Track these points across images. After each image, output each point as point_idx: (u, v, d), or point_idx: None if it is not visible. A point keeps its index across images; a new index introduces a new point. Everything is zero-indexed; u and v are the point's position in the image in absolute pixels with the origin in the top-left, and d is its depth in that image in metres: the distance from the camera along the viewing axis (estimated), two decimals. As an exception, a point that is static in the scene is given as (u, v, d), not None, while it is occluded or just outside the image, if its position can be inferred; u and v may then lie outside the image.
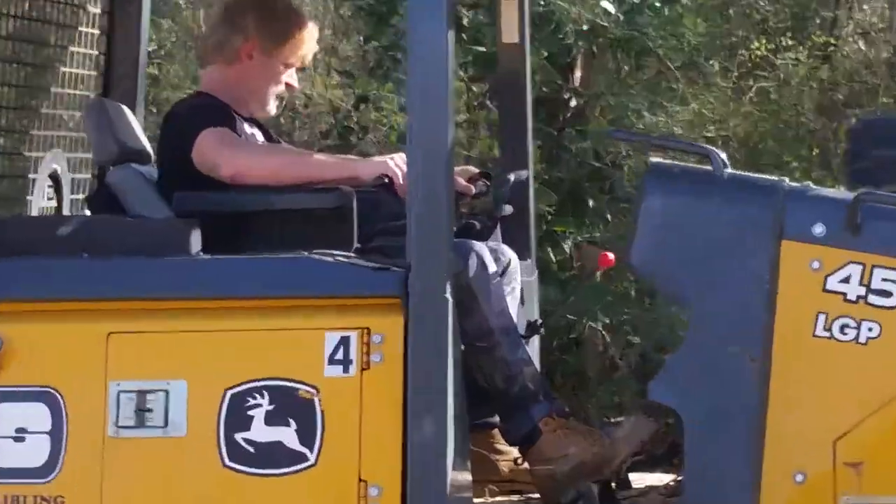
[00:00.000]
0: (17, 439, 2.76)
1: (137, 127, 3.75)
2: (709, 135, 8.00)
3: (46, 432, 2.73)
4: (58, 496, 2.71)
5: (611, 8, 7.48)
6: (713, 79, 8.31)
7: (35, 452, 2.74)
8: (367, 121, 8.98)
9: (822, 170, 7.54)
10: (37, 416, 2.74)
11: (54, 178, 4.13)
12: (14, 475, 2.74)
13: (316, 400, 2.70)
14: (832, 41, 8.54)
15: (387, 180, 3.13)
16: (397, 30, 8.29)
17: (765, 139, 8.23)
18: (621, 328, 7.27)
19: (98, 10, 4.35)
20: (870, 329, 2.79)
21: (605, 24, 7.53)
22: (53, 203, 4.15)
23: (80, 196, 4.25)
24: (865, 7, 10.59)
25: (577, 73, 8.02)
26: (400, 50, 8.16)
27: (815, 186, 3.37)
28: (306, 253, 2.84)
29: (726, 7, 9.41)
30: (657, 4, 7.99)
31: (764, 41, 8.49)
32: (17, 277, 2.92)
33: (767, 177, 3.37)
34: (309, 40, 3.66)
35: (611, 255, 4.04)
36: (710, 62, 8.53)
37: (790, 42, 8.63)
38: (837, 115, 8.56)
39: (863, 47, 9.36)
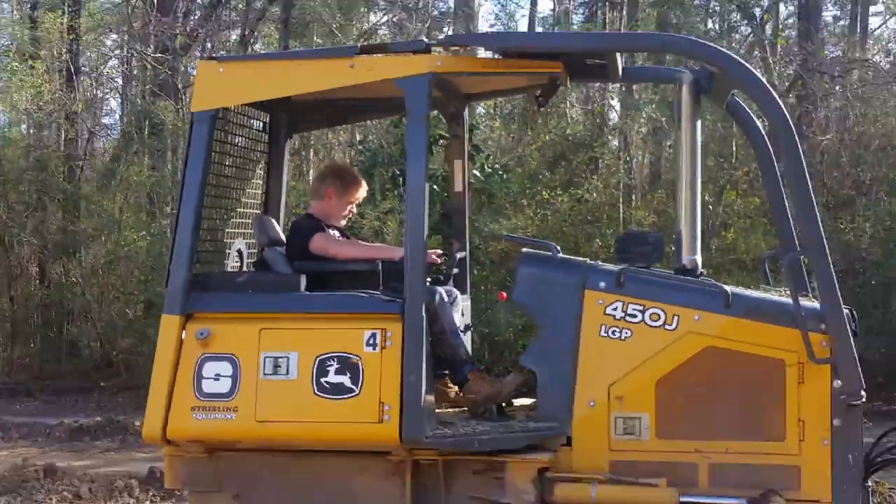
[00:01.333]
0: (215, 379, 4.46)
1: (279, 229, 5.54)
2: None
3: (229, 376, 4.44)
4: (234, 406, 4.41)
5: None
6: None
7: (224, 385, 4.45)
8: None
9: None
10: (225, 368, 4.45)
11: (239, 253, 5.53)
12: (214, 397, 4.43)
13: (360, 363, 4.39)
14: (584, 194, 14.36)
15: (398, 258, 4.82)
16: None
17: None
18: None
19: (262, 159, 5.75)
20: (625, 333, 4.54)
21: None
22: (237, 264, 5.52)
23: (251, 262, 5.63)
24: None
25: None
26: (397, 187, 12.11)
27: (602, 264, 5.02)
28: (357, 292, 4.69)
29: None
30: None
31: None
32: (218, 301, 4.69)
33: (578, 258, 5.20)
34: (360, 190, 5.60)
35: (504, 294, 5.66)
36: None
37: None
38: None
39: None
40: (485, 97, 6.08)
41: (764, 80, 4.77)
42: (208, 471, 4.72)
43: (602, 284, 4.61)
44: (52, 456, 10.55)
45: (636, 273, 4.68)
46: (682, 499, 4.44)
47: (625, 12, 18.70)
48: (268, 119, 5.64)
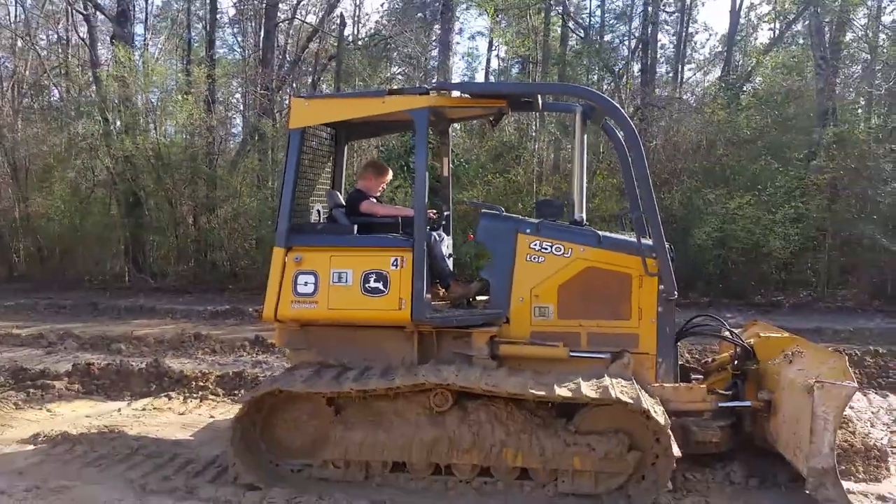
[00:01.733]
0: (304, 285, 4.85)
1: (341, 198, 5.72)
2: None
3: (313, 283, 4.85)
4: (316, 300, 4.77)
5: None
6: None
7: (310, 288, 4.85)
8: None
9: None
10: (310, 278, 4.86)
11: (318, 212, 5.68)
12: (304, 295, 4.84)
13: (388, 275, 4.76)
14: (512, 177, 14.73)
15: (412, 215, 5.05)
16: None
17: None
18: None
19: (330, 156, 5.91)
20: (541, 258, 4.91)
21: None
22: (317, 219, 5.63)
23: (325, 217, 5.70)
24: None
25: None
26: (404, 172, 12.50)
27: (528, 218, 5.20)
28: (386, 235, 5.03)
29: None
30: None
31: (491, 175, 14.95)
32: (307, 240, 4.97)
33: (514, 214, 5.35)
34: (388, 175, 5.85)
35: (471, 236, 5.85)
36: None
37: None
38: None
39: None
40: (460, 120, 6.39)
41: (623, 110, 5.16)
42: (301, 337, 5.13)
43: (528, 230, 4.97)
44: (199, 328, 11.15)
45: (548, 224, 5.03)
46: (572, 354, 4.86)
47: (539, 68, 19.29)
48: (334, 132, 5.84)
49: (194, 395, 7.07)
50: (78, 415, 6.44)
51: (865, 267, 13.78)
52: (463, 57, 42.14)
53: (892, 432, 5.71)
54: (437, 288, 5.40)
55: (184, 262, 17.56)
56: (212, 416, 6.44)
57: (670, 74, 21.74)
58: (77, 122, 18.17)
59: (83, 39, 20.37)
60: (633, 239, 4.89)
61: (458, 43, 38.48)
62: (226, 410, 6.61)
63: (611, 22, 22.93)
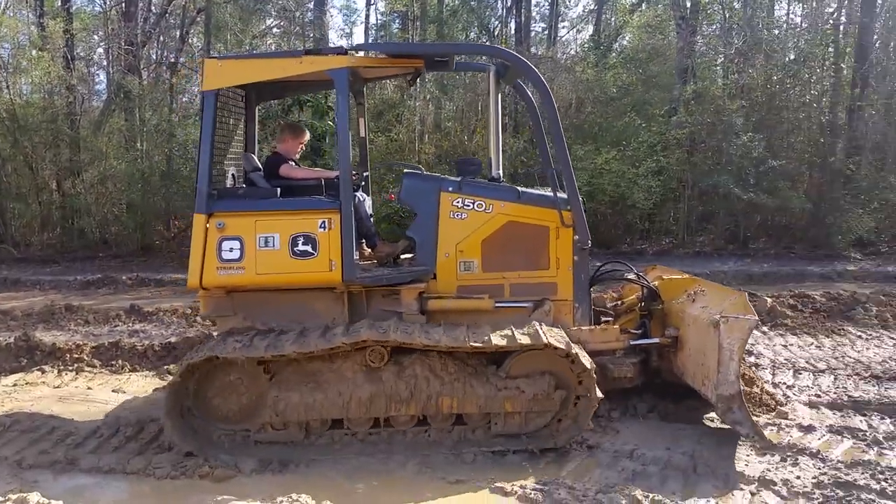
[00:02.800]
0: (230, 251, 4.71)
1: (257, 161, 5.64)
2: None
3: (239, 249, 4.71)
4: (243, 266, 4.66)
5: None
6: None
7: (236, 254, 4.72)
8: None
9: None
10: (235, 244, 4.72)
11: (233, 176, 5.54)
12: (230, 261, 4.70)
13: (316, 238, 4.71)
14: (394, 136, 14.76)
15: (336, 180, 5.05)
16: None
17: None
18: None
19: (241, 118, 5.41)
20: (464, 215, 5.02)
21: None
22: (232, 183, 5.48)
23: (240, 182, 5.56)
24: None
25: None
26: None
27: (449, 177, 5.24)
28: (312, 197, 4.94)
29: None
30: None
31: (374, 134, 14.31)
32: (229, 205, 4.80)
33: (435, 174, 5.53)
34: (305, 137, 5.73)
35: (393, 196, 5.84)
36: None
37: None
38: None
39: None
40: (376, 80, 6.30)
41: (536, 69, 5.18)
42: (227, 304, 5.01)
43: (450, 188, 5.06)
44: (70, 299, 10.53)
45: (468, 182, 5.13)
46: (497, 304, 5.05)
47: (418, 24, 19.18)
48: (244, 94, 5.66)
49: (69, 368, 6.79)
50: (-59, 395, 6.01)
51: (721, 215, 14.98)
52: (340, 10, 41.08)
53: (751, 366, 6.34)
54: (362, 248, 5.44)
55: (49, 229, 16.38)
56: (89, 388, 6.26)
57: (545, 32, 22.23)
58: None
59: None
60: (550, 193, 5.10)
61: None
62: (104, 382, 6.47)
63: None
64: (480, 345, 4.58)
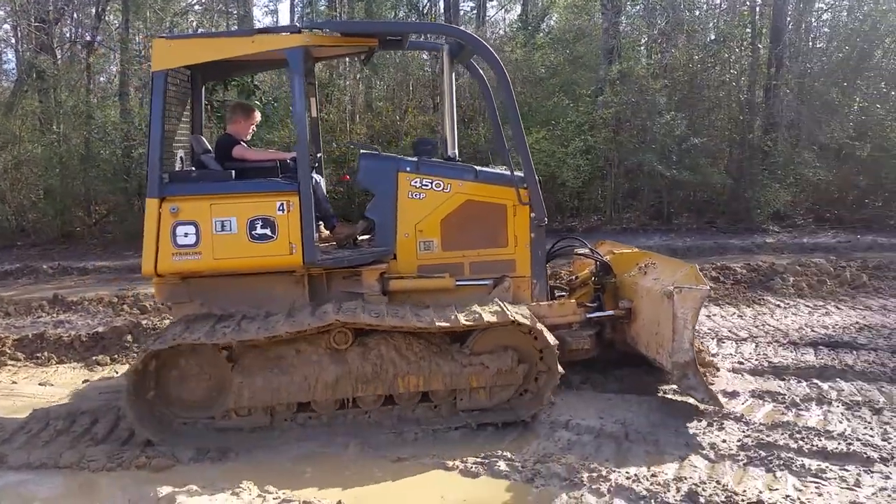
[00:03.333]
0: (185, 236, 4.58)
1: (207, 143, 5.44)
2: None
3: (194, 234, 4.59)
4: (199, 251, 4.55)
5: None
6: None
7: (191, 239, 4.59)
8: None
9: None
10: (190, 229, 4.60)
11: (181, 159, 5.33)
12: (186, 247, 4.58)
13: (275, 221, 4.62)
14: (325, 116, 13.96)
15: (291, 161, 5.08)
16: None
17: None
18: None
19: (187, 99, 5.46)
20: (422, 195, 5.02)
21: None
22: (180, 166, 5.27)
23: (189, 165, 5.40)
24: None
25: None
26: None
27: (406, 157, 5.18)
28: (269, 179, 4.84)
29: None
30: None
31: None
32: (182, 189, 4.67)
33: (392, 154, 5.45)
34: (256, 116, 5.58)
35: (347, 177, 5.91)
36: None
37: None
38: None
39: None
40: (327, 59, 6.16)
41: (491, 49, 5.19)
42: (182, 290, 4.90)
43: (408, 168, 5.06)
44: None
45: (426, 162, 5.15)
46: (457, 283, 5.10)
47: (346, 2, 18.84)
48: (189, 74, 5.43)
49: (-9, 362, 6.49)
50: None
51: (646, 191, 15.45)
52: None
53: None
54: (320, 229, 5.39)
55: (-39, 218, 15.49)
56: (14, 383, 6.07)
57: (474, 12, 22.22)
58: None
59: None
60: (507, 172, 5.16)
61: None
62: (29, 375, 6.27)
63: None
64: (448, 325, 4.64)
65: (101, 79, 17.76)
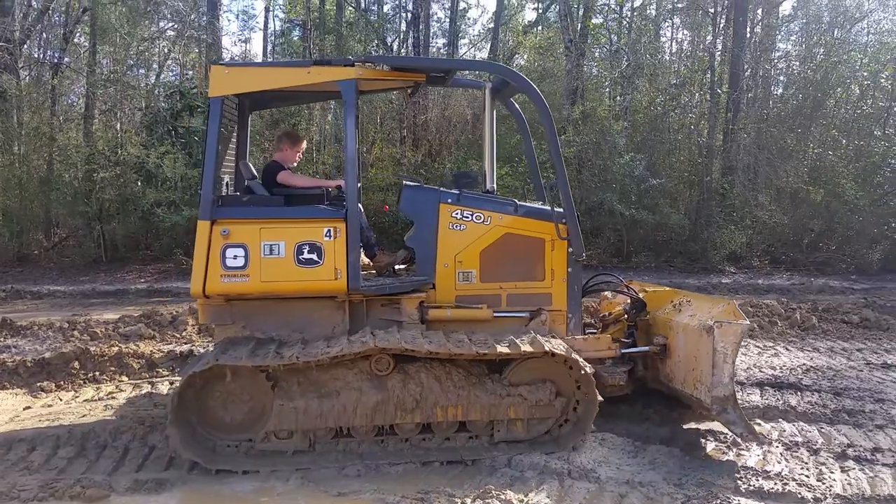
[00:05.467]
0: (234, 258, 4.69)
1: (253, 168, 5.63)
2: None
3: (243, 256, 4.70)
4: (248, 274, 4.62)
5: None
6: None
7: (240, 262, 4.70)
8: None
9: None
10: (240, 252, 4.70)
11: (227, 184, 5.39)
12: (234, 269, 4.68)
13: (322, 246, 4.74)
14: None
15: (339, 189, 5.25)
16: None
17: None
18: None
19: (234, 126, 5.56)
20: (463, 226, 5.14)
21: None
22: (226, 191, 5.33)
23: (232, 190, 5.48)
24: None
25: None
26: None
27: (447, 189, 5.31)
28: (317, 206, 4.97)
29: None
30: None
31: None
32: (233, 212, 4.79)
33: (434, 186, 5.51)
34: (303, 145, 5.71)
35: (387, 207, 5.97)
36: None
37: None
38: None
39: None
40: (373, 92, 6.30)
41: (537, 88, 5.31)
42: (226, 312, 4.97)
43: (449, 200, 5.19)
44: None
45: (468, 194, 5.26)
46: (495, 314, 5.18)
47: (318, 33, 19.16)
48: (237, 101, 5.52)
49: (-70, 387, 6.25)
50: None
51: (606, 230, 15.60)
52: (238, 15, 40.55)
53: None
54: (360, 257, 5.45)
55: None
56: None
57: (446, 49, 22.53)
58: None
59: None
60: (546, 207, 5.29)
61: (234, 0, 36.17)
62: None
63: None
64: (507, 350, 4.72)
65: (67, 100, 17.65)
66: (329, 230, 4.82)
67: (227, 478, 4.47)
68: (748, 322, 4.74)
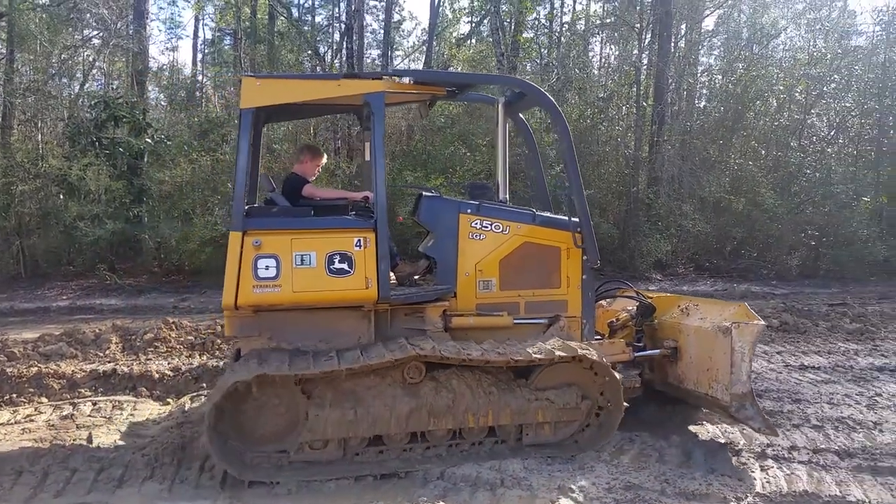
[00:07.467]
0: (266, 269, 4.64)
1: (273, 182, 5.61)
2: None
3: (275, 267, 4.66)
4: (279, 284, 4.59)
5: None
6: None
7: (272, 272, 4.66)
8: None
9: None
10: (271, 262, 4.67)
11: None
12: (266, 279, 4.64)
13: (353, 256, 4.73)
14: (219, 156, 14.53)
15: (364, 200, 5.32)
16: None
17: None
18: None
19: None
20: (482, 236, 5.26)
21: None
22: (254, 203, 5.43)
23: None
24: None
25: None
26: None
27: (466, 200, 5.40)
28: (346, 216, 5.01)
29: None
30: None
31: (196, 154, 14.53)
32: (264, 223, 4.75)
33: (453, 197, 5.71)
34: (323, 158, 5.75)
35: (401, 217, 5.93)
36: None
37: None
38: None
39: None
40: (395, 105, 6.33)
41: (554, 102, 5.47)
42: (254, 324, 4.92)
43: (469, 210, 5.29)
44: None
45: (487, 204, 5.40)
46: (515, 321, 5.32)
47: (249, 43, 19.16)
48: (254, 113, 5.26)
49: None
50: None
51: None
52: (165, 22, 39.84)
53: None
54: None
55: None
56: None
57: (380, 60, 22.66)
58: None
59: None
60: (563, 216, 5.49)
61: (161, 8, 35.53)
62: None
63: (321, 3, 23.33)
64: (542, 356, 4.86)
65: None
66: (359, 240, 4.85)
67: (156, 498, 4.41)
68: (763, 322, 5.02)
